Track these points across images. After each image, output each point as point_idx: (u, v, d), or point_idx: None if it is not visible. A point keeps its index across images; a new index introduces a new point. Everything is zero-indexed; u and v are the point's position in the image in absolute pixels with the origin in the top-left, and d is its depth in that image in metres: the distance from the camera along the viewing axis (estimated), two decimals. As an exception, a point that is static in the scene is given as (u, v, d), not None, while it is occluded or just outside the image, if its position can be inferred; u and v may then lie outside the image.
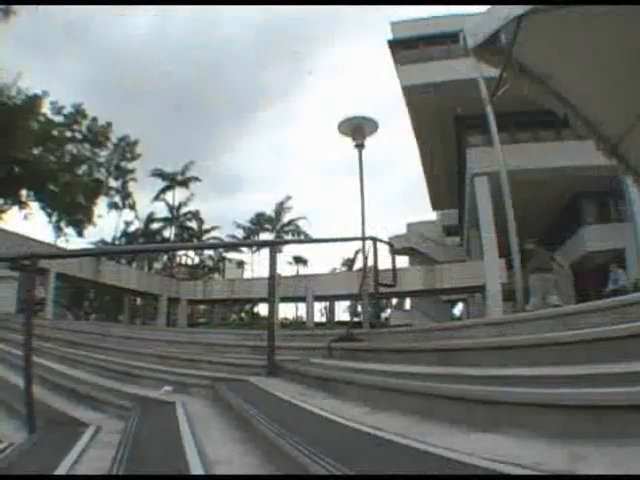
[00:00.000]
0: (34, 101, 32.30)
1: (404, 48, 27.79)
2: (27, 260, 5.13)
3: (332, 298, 39.91)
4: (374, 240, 8.17)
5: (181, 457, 2.58)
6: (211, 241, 47.65)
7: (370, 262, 8.23)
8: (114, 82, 68.07)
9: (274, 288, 6.33)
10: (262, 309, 49.58)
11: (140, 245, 41.82)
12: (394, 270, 8.62)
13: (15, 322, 14.94)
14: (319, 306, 47.87)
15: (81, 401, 5.84)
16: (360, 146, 11.72)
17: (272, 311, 6.72)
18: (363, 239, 9.17)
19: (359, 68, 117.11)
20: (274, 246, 6.31)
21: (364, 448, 2.15)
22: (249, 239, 49.61)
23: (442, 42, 26.52)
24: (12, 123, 28.94)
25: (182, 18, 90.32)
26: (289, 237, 48.57)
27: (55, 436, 4.15)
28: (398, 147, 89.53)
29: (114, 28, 73.04)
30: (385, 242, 9.25)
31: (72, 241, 39.26)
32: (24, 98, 31.54)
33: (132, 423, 3.77)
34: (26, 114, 31.05)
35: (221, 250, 50.16)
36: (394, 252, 9.46)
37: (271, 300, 6.64)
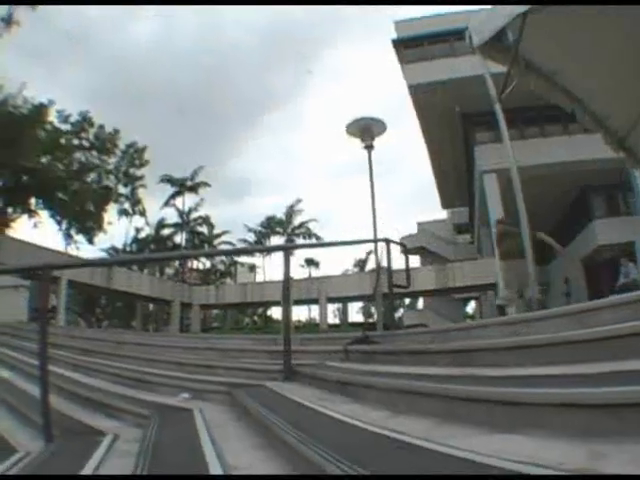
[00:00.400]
0: (40, 110, 32.45)
1: (408, 47, 27.81)
2: (40, 270, 5.11)
3: (345, 299, 39.92)
4: (387, 242, 8.17)
5: (202, 465, 2.60)
6: (224, 246, 47.81)
7: (383, 263, 8.23)
8: (119, 89, 68.85)
9: (289, 292, 6.34)
10: (275, 312, 49.83)
11: (154, 254, 42.09)
12: (408, 271, 8.61)
13: (27, 330, 15.05)
14: (332, 307, 47.90)
15: (97, 409, 5.88)
16: (369, 147, 11.67)
17: (288, 315, 6.74)
18: (376, 241, 9.13)
19: (364, 69, 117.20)
20: (288, 251, 6.31)
21: (387, 452, 2.16)
22: (260, 243, 49.69)
23: (446, 40, 26.55)
24: (19, 132, 29.05)
25: (185, 23, 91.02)
26: (300, 239, 48.53)
27: (73, 445, 4.17)
28: (407, 146, 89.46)
29: (117, 35, 73.65)
30: (398, 243, 9.24)
31: (83, 248, 39.56)
32: (30, 107, 31.66)
33: (151, 431, 3.79)
34: (33, 123, 31.18)
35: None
36: (407, 252, 9.44)
37: (286, 304, 6.66)
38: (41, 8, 30.12)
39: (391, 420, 2.82)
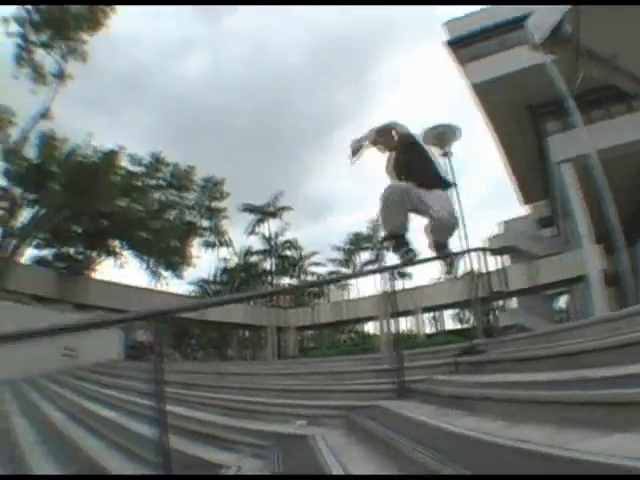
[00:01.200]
0: (110, 156, 33.49)
1: (463, 46, 27.63)
2: (150, 318, 5.15)
3: (438, 308, 39.62)
4: (483, 250, 8.22)
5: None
6: (314, 268, 48.36)
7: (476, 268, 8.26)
8: (185, 126, 69.88)
9: (396, 309, 6.50)
10: (370, 328, 49.55)
11: (263, 290, 44.10)
12: (505, 276, 8.56)
13: (122, 368, 15.56)
14: (427, 316, 47.38)
15: (209, 443, 5.84)
16: (448, 154, 11.52)
17: (398, 333, 6.89)
18: (470, 251, 9.13)
19: (420, 72, 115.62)
20: (393, 270, 6.54)
21: (515, 462, 2.25)
22: (349, 260, 49.50)
23: (499, 33, 26.27)
24: (91, 180, 30.26)
25: (232, 52, 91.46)
26: (389, 253, 47.56)
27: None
28: (479, 147, 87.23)
29: (168, 74, 74.99)
30: (491, 250, 9.22)
31: (171, 283, 40.95)
32: (100, 155, 32.89)
33: (276, 460, 3.87)
34: (106, 169, 32.37)
35: (325, 275, 50.12)
36: (501, 254, 9.42)
37: (394, 322, 6.86)
38: (91, 59, 31.53)
39: (510, 430, 2.86)
